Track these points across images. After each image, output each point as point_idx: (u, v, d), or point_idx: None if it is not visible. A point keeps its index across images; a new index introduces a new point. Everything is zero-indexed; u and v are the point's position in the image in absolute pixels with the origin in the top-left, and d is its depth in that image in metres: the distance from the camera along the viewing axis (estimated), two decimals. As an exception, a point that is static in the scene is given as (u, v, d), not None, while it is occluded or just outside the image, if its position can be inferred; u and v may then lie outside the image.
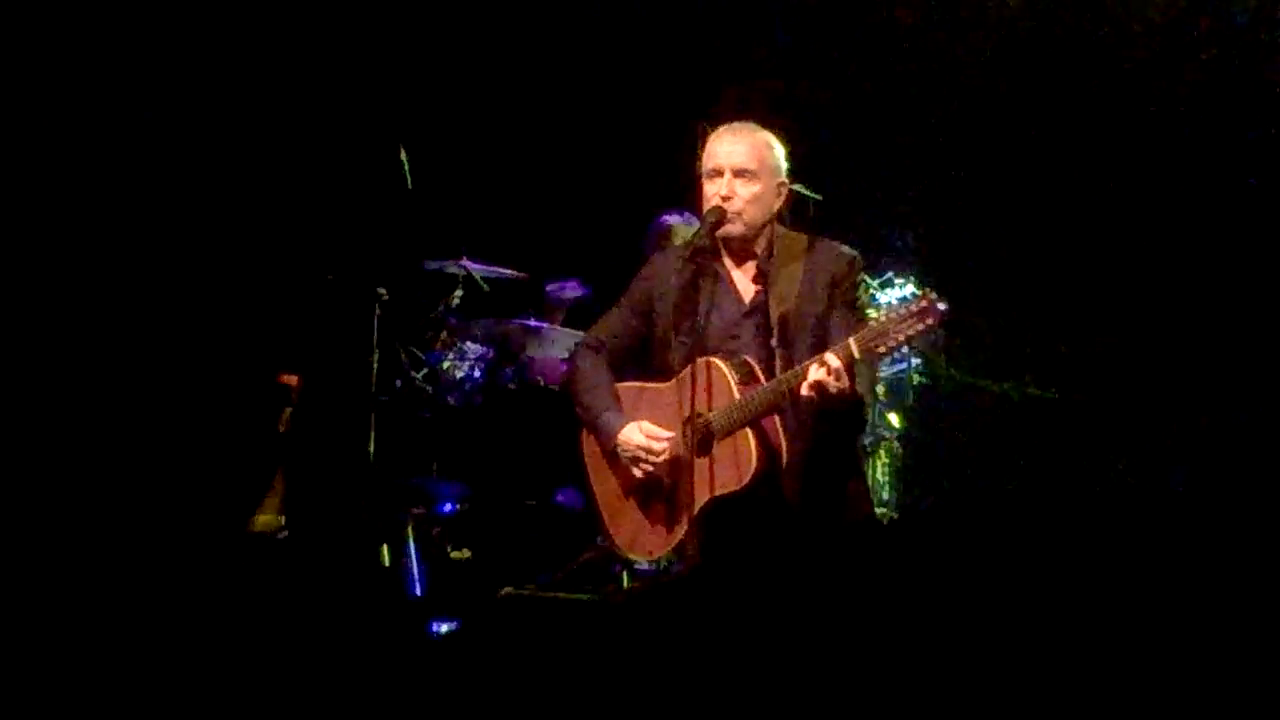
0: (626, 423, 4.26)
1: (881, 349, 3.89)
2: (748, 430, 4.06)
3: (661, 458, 4.20)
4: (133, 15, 5.99)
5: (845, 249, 4.28)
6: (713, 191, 4.20)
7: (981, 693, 2.66)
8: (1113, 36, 6.83)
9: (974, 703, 2.66)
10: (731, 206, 4.18)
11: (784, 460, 4.08)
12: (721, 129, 4.29)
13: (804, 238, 4.30)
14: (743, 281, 4.28)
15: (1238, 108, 6.67)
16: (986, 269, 7.00)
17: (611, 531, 4.40)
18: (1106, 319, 6.88)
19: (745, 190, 4.19)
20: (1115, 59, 6.84)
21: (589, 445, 4.41)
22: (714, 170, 4.22)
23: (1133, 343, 6.84)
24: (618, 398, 4.35)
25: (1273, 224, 6.58)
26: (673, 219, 5.89)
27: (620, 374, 4.41)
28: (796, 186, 5.31)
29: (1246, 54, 6.64)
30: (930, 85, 7.14)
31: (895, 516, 6.42)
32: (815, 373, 3.90)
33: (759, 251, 4.27)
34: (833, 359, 3.88)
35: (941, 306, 3.79)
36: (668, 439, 4.20)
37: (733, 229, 4.20)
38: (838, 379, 3.88)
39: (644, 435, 4.22)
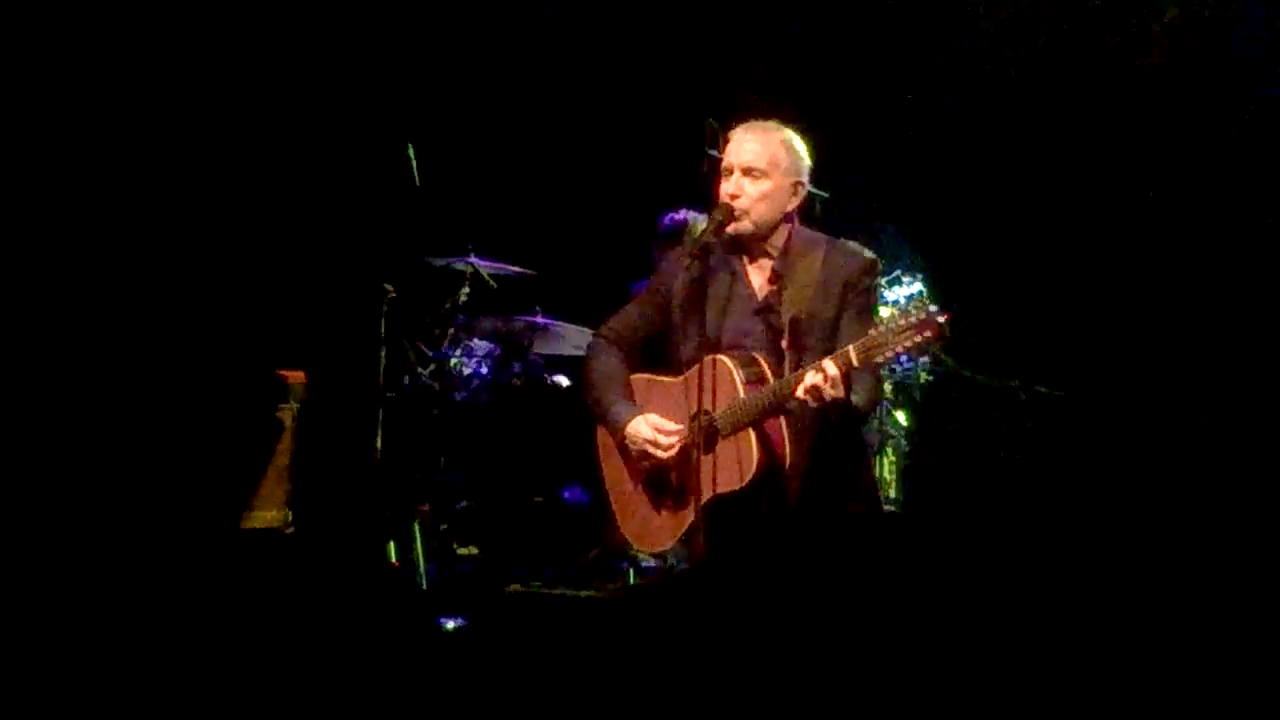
0: (635, 415, 4.27)
1: (880, 358, 3.88)
2: (750, 431, 4.06)
3: (668, 452, 4.21)
4: (144, 13, 5.99)
5: (863, 251, 4.26)
6: (724, 190, 4.22)
7: (988, 692, 2.66)
8: (1115, 35, 6.82)
9: (981, 702, 2.66)
10: (739, 205, 4.19)
11: (787, 463, 4.08)
12: (740, 127, 4.30)
13: (822, 238, 4.30)
14: (757, 280, 4.28)
15: (1240, 107, 6.66)
16: (994, 266, 7.00)
17: (620, 523, 4.42)
18: (1114, 317, 6.87)
19: (754, 189, 4.19)
20: (1118, 58, 6.83)
21: (602, 437, 4.42)
22: (726, 168, 4.25)
23: (1140, 341, 6.83)
24: (630, 390, 4.37)
25: (1274, 224, 6.57)
26: (688, 215, 5.87)
27: (636, 367, 4.42)
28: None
29: (1247, 54, 6.63)
30: (935, 83, 7.13)
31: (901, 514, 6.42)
32: (812, 378, 3.90)
33: (774, 251, 4.26)
34: (830, 366, 3.89)
35: (941, 320, 3.76)
36: (675, 432, 4.21)
37: (741, 227, 4.21)
38: (833, 386, 3.88)
39: (651, 428, 4.23)
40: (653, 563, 5.08)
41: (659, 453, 4.22)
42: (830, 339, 4.10)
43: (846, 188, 5.92)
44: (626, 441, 4.28)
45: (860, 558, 2.94)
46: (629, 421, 4.27)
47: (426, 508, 6.28)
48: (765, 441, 4.06)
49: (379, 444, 6.17)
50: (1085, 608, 2.75)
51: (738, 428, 4.07)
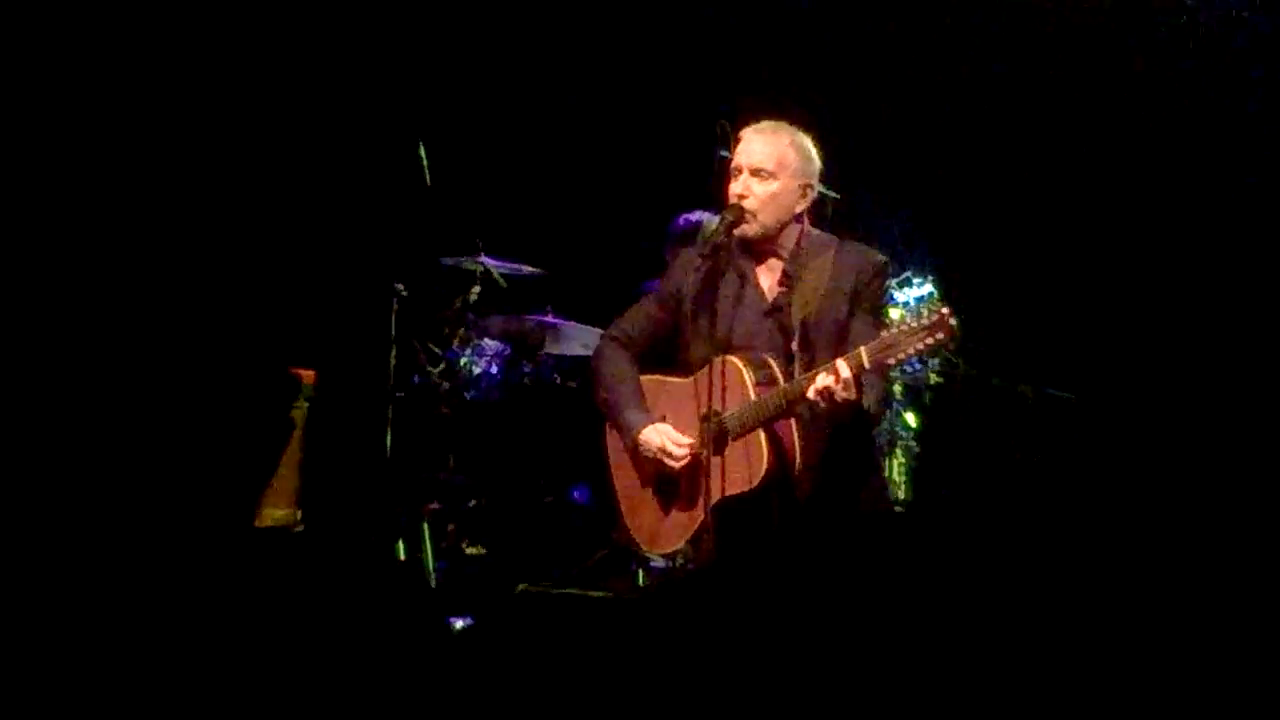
0: (648, 422, 4.26)
1: (892, 360, 3.88)
2: (761, 432, 4.05)
3: (681, 462, 4.20)
4: (156, 11, 6.00)
5: (873, 253, 4.26)
6: (732, 190, 4.22)
7: (995, 691, 2.66)
8: (1120, 36, 6.82)
9: (988, 701, 2.66)
10: (747, 205, 4.19)
11: (797, 465, 4.07)
12: (750, 127, 4.30)
13: (833, 240, 4.29)
14: (767, 281, 4.28)
15: (1242, 108, 6.66)
16: (1004, 268, 6.99)
17: (629, 524, 4.41)
18: (1124, 319, 6.87)
19: (761, 190, 4.19)
20: (1123, 59, 6.82)
21: (611, 437, 4.42)
22: (734, 169, 4.25)
23: (1149, 343, 6.82)
24: (641, 393, 4.36)
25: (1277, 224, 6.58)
26: (702, 216, 5.86)
27: (645, 366, 4.42)
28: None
29: (1248, 54, 6.63)
30: (943, 83, 7.13)
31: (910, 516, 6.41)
32: (823, 379, 3.89)
33: (784, 252, 4.26)
34: (843, 367, 3.88)
35: (953, 322, 3.77)
36: (687, 443, 4.20)
37: (748, 229, 4.20)
38: (845, 388, 3.87)
39: (663, 437, 4.22)
40: (661, 563, 5.07)
41: (670, 462, 4.21)
42: (840, 341, 4.10)
43: (858, 189, 5.92)
44: (639, 449, 4.27)
45: (869, 559, 2.95)
46: (641, 429, 4.25)
47: (435, 506, 6.29)
48: (775, 443, 4.06)
49: (388, 443, 6.18)
50: (1093, 609, 2.75)
51: (748, 429, 4.07)
